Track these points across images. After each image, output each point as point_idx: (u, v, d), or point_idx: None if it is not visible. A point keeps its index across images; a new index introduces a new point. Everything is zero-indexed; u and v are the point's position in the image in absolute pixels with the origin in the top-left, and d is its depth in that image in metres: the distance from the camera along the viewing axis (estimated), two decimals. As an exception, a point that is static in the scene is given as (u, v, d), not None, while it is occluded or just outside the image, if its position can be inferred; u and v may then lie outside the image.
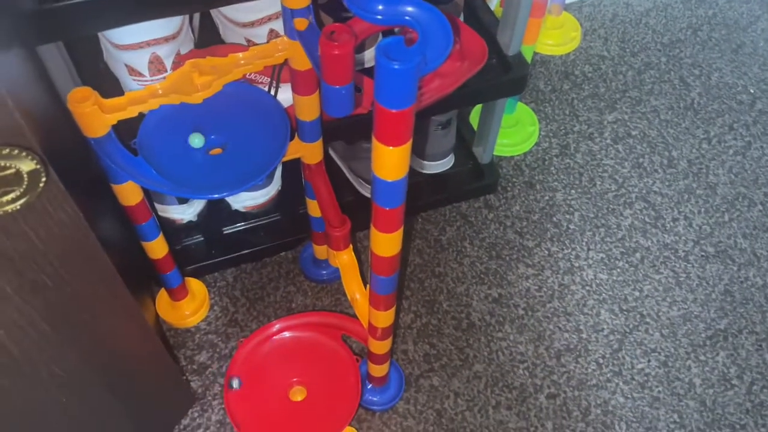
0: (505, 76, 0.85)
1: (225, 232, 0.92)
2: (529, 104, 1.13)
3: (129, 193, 0.68)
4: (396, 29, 0.78)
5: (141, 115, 0.63)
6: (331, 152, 0.98)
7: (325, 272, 0.91)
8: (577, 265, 0.95)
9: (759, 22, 1.28)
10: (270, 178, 0.91)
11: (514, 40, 0.83)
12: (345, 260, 0.75)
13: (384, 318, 0.66)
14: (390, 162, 0.47)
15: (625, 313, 0.91)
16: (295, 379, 0.80)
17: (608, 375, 0.85)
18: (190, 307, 0.87)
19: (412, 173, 0.98)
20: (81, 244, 0.52)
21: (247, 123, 0.67)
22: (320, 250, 0.89)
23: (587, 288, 0.93)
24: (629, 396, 0.84)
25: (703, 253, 0.97)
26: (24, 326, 0.50)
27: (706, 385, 0.85)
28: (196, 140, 0.65)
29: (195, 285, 0.89)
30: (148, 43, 0.70)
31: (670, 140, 1.10)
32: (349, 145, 0.94)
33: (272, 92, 0.73)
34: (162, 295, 0.88)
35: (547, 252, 0.96)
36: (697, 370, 0.86)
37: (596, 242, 0.97)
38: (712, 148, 1.09)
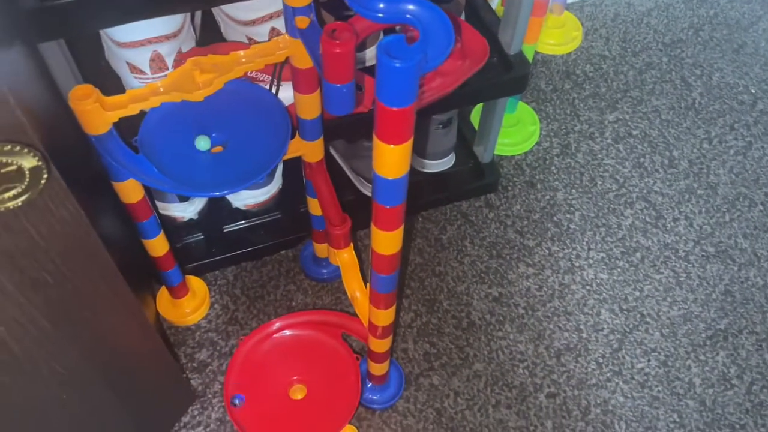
0: (506, 75, 0.85)
1: (225, 230, 0.92)
2: (530, 103, 1.13)
3: (130, 191, 0.68)
4: (397, 27, 0.78)
5: (142, 113, 0.63)
6: (332, 151, 0.98)
7: (325, 271, 0.91)
8: (577, 264, 0.95)
9: (760, 22, 1.28)
10: (271, 176, 0.91)
11: (516, 39, 0.83)
12: (345, 259, 0.75)
13: (384, 316, 0.66)
14: (391, 160, 0.47)
15: (626, 312, 0.91)
16: (295, 378, 0.80)
17: (608, 374, 0.85)
18: (190, 305, 0.87)
19: (413, 172, 0.98)
20: (82, 242, 0.52)
21: (248, 121, 0.67)
22: (321, 249, 0.89)
23: (587, 287, 0.93)
24: (629, 395, 0.84)
25: (703, 253, 0.97)
26: (25, 323, 0.50)
27: (705, 385, 0.85)
28: (202, 143, 0.65)
29: (195, 283, 0.89)
30: (150, 41, 0.70)
31: (671, 140, 1.10)
32: (350, 143, 0.94)
33: (273, 90, 0.73)
34: (162, 293, 0.88)
35: (547, 251, 0.96)
36: (697, 370, 0.86)
37: (597, 242, 0.97)
38: (713, 148, 1.09)
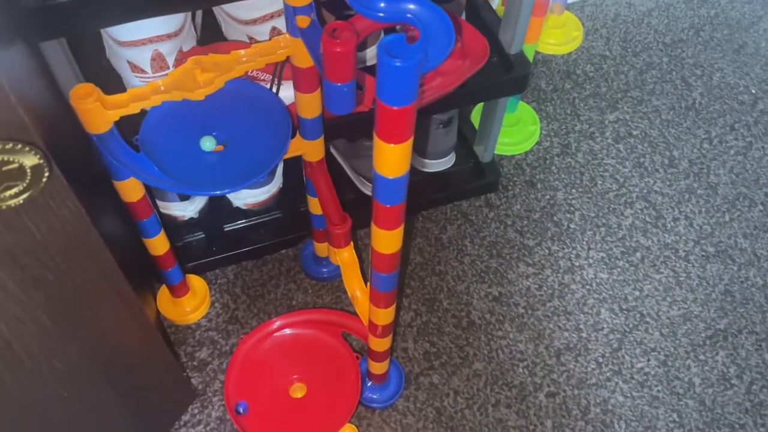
0: (506, 75, 0.85)
1: (226, 229, 0.92)
2: (530, 103, 1.13)
3: (131, 190, 0.68)
4: (397, 27, 0.79)
5: (143, 112, 0.63)
6: (333, 150, 0.99)
7: (325, 270, 0.91)
8: (577, 264, 0.95)
9: (761, 22, 1.28)
10: (271, 175, 0.91)
11: (516, 38, 0.83)
12: (346, 258, 0.75)
13: (384, 315, 0.66)
14: (391, 159, 0.47)
15: (625, 312, 0.91)
16: (295, 376, 0.80)
17: (608, 374, 0.86)
18: (190, 303, 0.88)
19: (413, 171, 0.98)
20: (83, 240, 0.52)
21: (248, 120, 0.68)
22: (321, 248, 0.89)
23: (587, 287, 0.93)
24: (629, 395, 0.84)
25: (703, 253, 0.97)
26: (26, 320, 0.50)
27: (705, 385, 0.85)
28: (207, 143, 0.65)
29: (196, 282, 0.89)
30: (151, 40, 0.70)
31: (671, 140, 1.10)
32: (351, 143, 0.94)
33: (274, 89, 0.73)
34: (163, 292, 0.88)
35: (547, 251, 0.96)
36: (697, 370, 0.87)
37: (597, 241, 0.98)
38: (713, 148, 1.09)
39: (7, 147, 0.39)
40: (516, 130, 1.08)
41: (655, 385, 0.85)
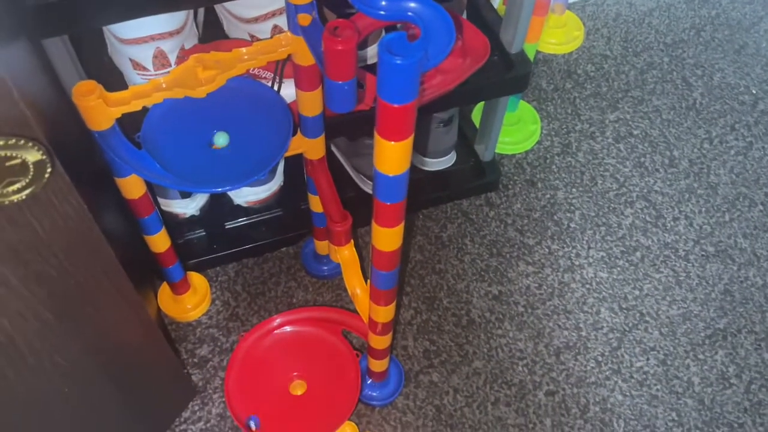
0: (507, 74, 0.85)
1: (227, 226, 0.93)
2: (531, 102, 1.13)
3: (132, 187, 0.68)
4: (398, 26, 0.79)
5: (145, 109, 0.63)
6: (334, 149, 0.99)
7: (326, 268, 0.91)
8: (577, 263, 0.95)
9: (762, 23, 1.28)
10: (272, 173, 0.91)
11: (517, 38, 0.84)
12: (346, 255, 0.75)
13: (384, 313, 0.66)
14: (392, 157, 0.47)
15: (625, 311, 0.91)
16: (295, 374, 0.80)
17: (607, 373, 0.86)
18: (191, 301, 0.88)
19: (414, 170, 0.98)
20: (85, 237, 0.52)
21: (250, 118, 0.68)
22: (321, 246, 0.90)
23: (587, 286, 0.93)
24: (628, 394, 0.84)
25: (703, 253, 0.97)
26: (28, 316, 0.50)
27: (704, 384, 0.86)
28: (221, 139, 0.65)
29: (197, 279, 0.90)
30: (153, 38, 0.70)
31: (671, 140, 1.10)
32: (351, 141, 0.94)
33: (275, 87, 0.74)
34: (164, 289, 0.88)
35: (547, 250, 0.97)
36: (696, 369, 0.87)
37: (597, 241, 0.98)
38: (713, 148, 1.10)
39: (9, 143, 0.39)
40: (517, 130, 1.08)
41: (654, 384, 0.85)
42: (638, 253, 0.97)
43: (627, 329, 0.90)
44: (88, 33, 0.77)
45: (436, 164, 0.98)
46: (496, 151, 1.06)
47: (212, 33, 0.82)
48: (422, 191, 0.98)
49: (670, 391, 0.85)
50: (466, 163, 1.01)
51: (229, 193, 0.93)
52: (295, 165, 0.91)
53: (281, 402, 0.79)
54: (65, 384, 0.58)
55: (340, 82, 0.51)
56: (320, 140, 0.73)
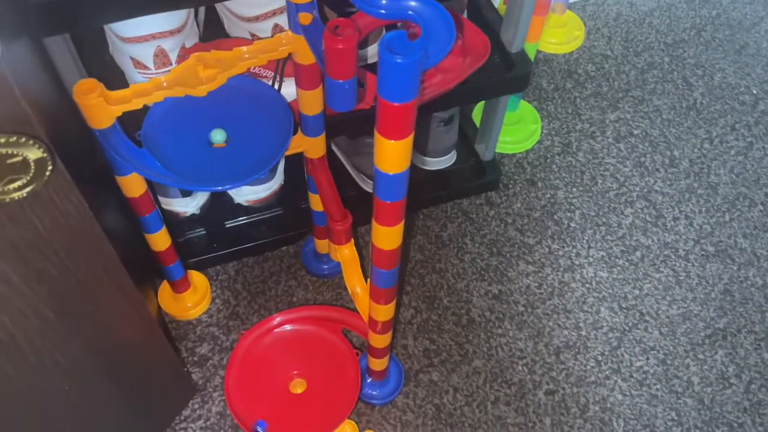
0: (508, 73, 0.85)
1: (227, 225, 0.93)
2: (531, 102, 1.13)
3: (133, 185, 0.68)
4: (399, 25, 0.79)
5: (146, 108, 0.63)
6: (334, 147, 0.99)
7: (326, 266, 0.91)
8: (577, 262, 0.95)
9: (763, 23, 1.28)
10: (273, 172, 0.91)
11: (518, 37, 0.84)
12: (346, 254, 0.75)
13: (384, 312, 0.66)
14: (392, 155, 0.47)
15: (625, 311, 0.91)
16: (295, 372, 0.80)
17: (607, 372, 0.86)
18: (192, 299, 0.88)
19: (414, 169, 0.98)
20: (86, 235, 0.52)
21: (250, 116, 0.68)
22: (322, 245, 0.90)
23: (587, 285, 0.93)
24: (627, 393, 0.84)
25: (703, 253, 0.98)
26: (29, 314, 0.50)
27: (704, 384, 0.86)
28: (218, 136, 0.65)
29: (197, 278, 0.90)
30: (154, 36, 0.70)
31: (672, 140, 1.10)
32: (352, 140, 0.94)
33: (276, 86, 0.74)
34: (164, 288, 0.88)
35: (547, 249, 0.97)
36: (696, 369, 0.87)
37: (597, 240, 0.98)
38: (713, 148, 1.10)
39: (11, 140, 0.39)
40: (517, 129, 1.08)
41: (654, 384, 0.85)
42: (638, 253, 0.97)
43: (627, 329, 0.90)
44: (89, 32, 0.77)
45: (436, 163, 0.98)
46: (497, 150, 1.06)
47: (213, 32, 0.82)
48: (422, 190, 0.98)
49: (669, 391, 0.85)
50: (467, 163, 1.01)
51: (229, 191, 0.93)
52: (296, 164, 0.91)
53: (281, 400, 0.79)
54: (66, 382, 0.58)
55: (341, 81, 0.51)
56: (321, 139, 0.73)
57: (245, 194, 0.92)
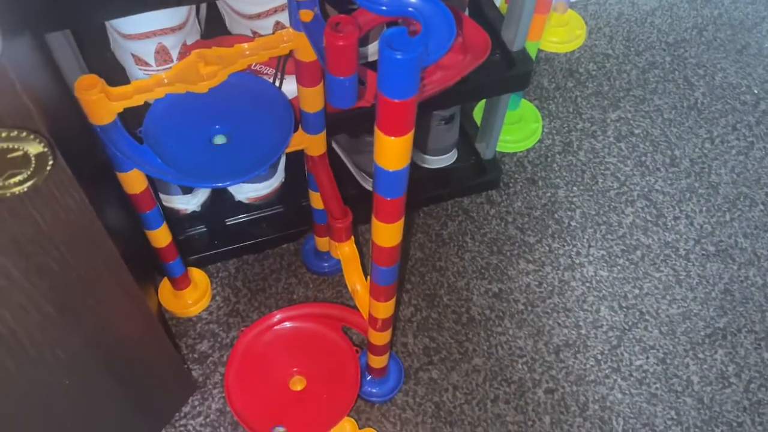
0: (508, 72, 0.85)
1: (228, 223, 0.93)
2: (532, 101, 1.13)
3: (134, 182, 0.69)
4: (400, 22, 0.79)
5: (147, 104, 0.63)
6: (335, 146, 0.99)
7: (326, 264, 0.92)
8: (577, 261, 0.95)
9: (764, 23, 1.28)
10: (273, 169, 0.91)
11: (519, 35, 0.84)
12: (346, 252, 0.75)
13: (384, 309, 0.67)
14: (392, 152, 0.48)
15: (625, 310, 0.91)
16: (295, 369, 0.81)
17: (606, 371, 0.86)
18: (192, 296, 0.88)
19: (415, 167, 0.98)
20: (87, 230, 0.52)
21: (251, 113, 0.68)
22: (322, 242, 0.90)
23: (587, 284, 0.93)
24: (627, 392, 0.84)
25: (703, 252, 0.97)
26: (30, 309, 0.50)
27: (704, 383, 0.86)
28: (219, 140, 0.66)
29: (197, 275, 0.90)
30: (155, 33, 0.70)
31: (672, 139, 1.10)
32: (353, 138, 0.94)
33: (277, 83, 0.74)
34: (165, 285, 0.88)
35: (547, 248, 0.97)
36: (696, 368, 0.87)
37: (597, 239, 0.98)
38: (714, 147, 1.10)
39: (12, 134, 0.39)
40: (518, 128, 1.08)
41: (653, 383, 0.85)
42: (638, 252, 0.97)
43: (627, 328, 0.90)
44: (90, 28, 0.77)
45: (437, 162, 0.98)
46: (497, 149, 1.06)
47: (214, 29, 0.82)
48: (423, 189, 0.98)
49: (669, 390, 0.85)
50: (467, 161, 1.01)
51: (230, 189, 0.93)
52: (297, 162, 0.91)
53: (281, 397, 0.79)
54: (66, 377, 0.58)
55: (342, 78, 0.51)
56: (321, 137, 0.73)
57: (246, 192, 0.92)
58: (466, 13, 0.85)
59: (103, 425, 0.70)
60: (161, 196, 0.88)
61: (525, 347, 0.87)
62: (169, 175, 0.63)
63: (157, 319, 0.76)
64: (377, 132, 0.47)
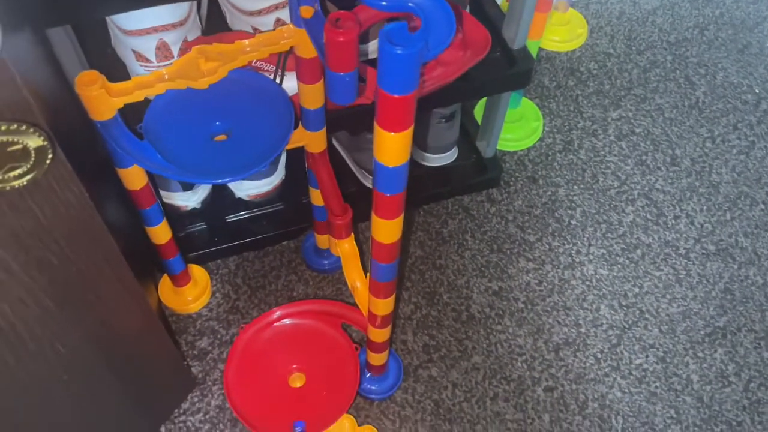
0: (509, 70, 0.85)
1: (228, 220, 0.93)
2: (533, 100, 1.13)
3: (134, 177, 0.69)
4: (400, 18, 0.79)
5: (147, 100, 0.63)
6: (335, 143, 0.99)
7: (326, 262, 0.92)
8: (577, 260, 0.95)
9: (766, 22, 1.28)
10: (274, 167, 0.91)
11: (520, 33, 0.84)
12: (346, 249, 0.75)
13: (384, 306, 0.67)
14: (391, 148, 0.48)
15: (625, 308, 0.91)
16: (294, 366, 0.81)
17: (606, 369, 0.86)
18: (192, 293, 0.88)
19: (416, 165, 0.98)
20: (86, 225, 0.52)
21: (252, 110, 0.68)
22: (322, 240, 0.90)
23: (587, 283, 0.93)
24: (627, 391, 0.84)
25: (703, 251, 0.97)
26: (29, 302, 0.50)
27: (703, 382, 0.86)
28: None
29: (197, 272, 0.90)
30: (156, 29, 0.71)
31: (673, 138, 1.10)
32: (353, 136, 0.94)
33: (277, 80, 0.74)
34: (165, 281, 0.89)
35: (548, 246, 0.97)
36: (695, 367, 0.87)
37: (597, 238, 0.98)
38: (715, 147, 1.10)
39: (11, 128, 0.40)
40: (519, 126, 1.08)
41: (653, 382, 0.85)
42: (639, 251, 0.97)
43: (626, 326, 0.90)
44: (91, 24, 0.77)
45: (437, 160, 0.98)
46: (498, 147, 1.06)
47: (215, 25, 0.82)
48: (423, 187, 0.98)
49: (669, 389, 0.85)
50: (468, 159, 1.01)
51: (230, 186, 0.93)
52: (297, 160, 0.91)
53: (280, 394, 0.79)
54: (65, 372, 0.58)
55: (342, 74, 0.51)
56: (321, 133, 0.73)
57: (246, 189, 0.92)
58: (467, 10, 0.85)
59: (103, 421, 0.70)
60: (162, 193, 0.88)
61: (525, 345, 0.87)
62: (170, 171, 0.63)
63: (157, 316, 0.76)
64: (377, 128, 0.47)
